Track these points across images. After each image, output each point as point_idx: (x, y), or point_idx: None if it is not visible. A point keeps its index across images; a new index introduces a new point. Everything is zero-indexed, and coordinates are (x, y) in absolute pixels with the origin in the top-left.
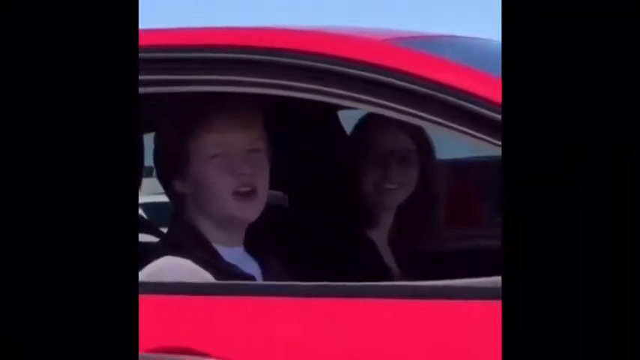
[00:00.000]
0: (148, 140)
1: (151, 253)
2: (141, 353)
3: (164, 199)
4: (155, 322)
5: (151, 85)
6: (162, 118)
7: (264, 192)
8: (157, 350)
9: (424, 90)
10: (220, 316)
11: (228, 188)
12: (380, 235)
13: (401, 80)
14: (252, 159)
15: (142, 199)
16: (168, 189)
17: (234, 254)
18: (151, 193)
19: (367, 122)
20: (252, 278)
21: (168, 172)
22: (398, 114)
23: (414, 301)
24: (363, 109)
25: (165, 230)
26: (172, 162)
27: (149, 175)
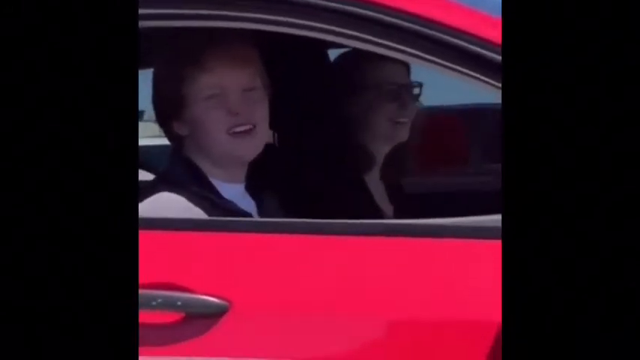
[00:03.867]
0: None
1: (147, 191)
2: None
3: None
4: (147, 258)
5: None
6: (157, 59)
7: (263, 129)
8: (148, 286)
9: (413, 26)
10: (211, 253)
11: (225, 128)
12: (374, 174)
13: (390, 16)
14: (249, 97)
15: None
16: (166, 130)
17: (233, 191)
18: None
19: (364, 56)
20: (250, 216)
21: (166, 113)
22: (389, 51)
23: (404, 239)
24: (355, 46)
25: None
26: (169, 104)
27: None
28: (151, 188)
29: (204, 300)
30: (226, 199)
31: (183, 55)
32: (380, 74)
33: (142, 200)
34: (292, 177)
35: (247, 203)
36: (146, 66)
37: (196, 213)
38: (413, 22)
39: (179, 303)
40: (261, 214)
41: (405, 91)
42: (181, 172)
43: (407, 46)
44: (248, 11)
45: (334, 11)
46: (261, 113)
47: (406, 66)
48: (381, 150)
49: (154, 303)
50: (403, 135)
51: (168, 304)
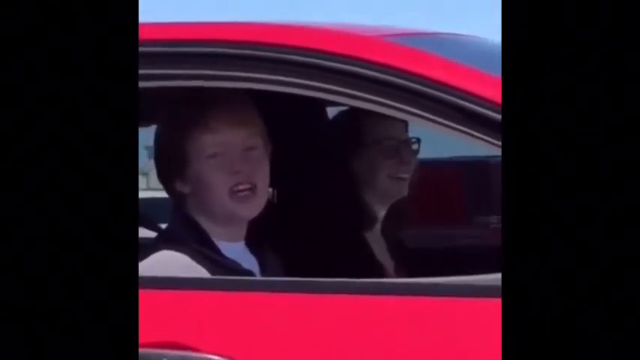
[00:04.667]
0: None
1: (149, 248)
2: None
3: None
4: (151, 317)
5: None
6: (160, 118)
7: (264, 189)
8: (152, 345)
9: (413, 85)
10: (215, 312)
11: (226, 187)
12: (375, 230)
13: (390, 75)
14: (251, 157)
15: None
16: (168, 188)
17: (234, 250)
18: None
19: (364, 113)
20: (251, 274)
21: (168, 171)
22: (389, 110)
23: (406, 297)
24: (354, 105)
25: (162, 226)
26: (172, 162)
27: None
28: (153, 246)
29: (208, 359)
30: (228, 258)
31: (186, 114)
32: (380, 130)
33: (143, 259)
34: (293, 235)
35: (249, 261)
36: (148, 124)
37: (199, 272)
38: (413, 82)
39: None
40: (262, 272)
41: (404, 147)
42: (183, 231)
43: (406, 104)
44: (249, 71)
45: (336, 72)
46: (262, 172)
47: (404, 122)
48: (382, 206)
49: None
50: (403, 191)
51: None
